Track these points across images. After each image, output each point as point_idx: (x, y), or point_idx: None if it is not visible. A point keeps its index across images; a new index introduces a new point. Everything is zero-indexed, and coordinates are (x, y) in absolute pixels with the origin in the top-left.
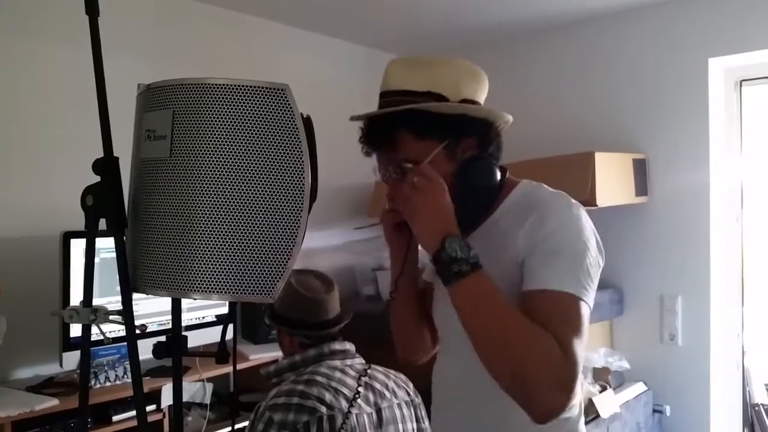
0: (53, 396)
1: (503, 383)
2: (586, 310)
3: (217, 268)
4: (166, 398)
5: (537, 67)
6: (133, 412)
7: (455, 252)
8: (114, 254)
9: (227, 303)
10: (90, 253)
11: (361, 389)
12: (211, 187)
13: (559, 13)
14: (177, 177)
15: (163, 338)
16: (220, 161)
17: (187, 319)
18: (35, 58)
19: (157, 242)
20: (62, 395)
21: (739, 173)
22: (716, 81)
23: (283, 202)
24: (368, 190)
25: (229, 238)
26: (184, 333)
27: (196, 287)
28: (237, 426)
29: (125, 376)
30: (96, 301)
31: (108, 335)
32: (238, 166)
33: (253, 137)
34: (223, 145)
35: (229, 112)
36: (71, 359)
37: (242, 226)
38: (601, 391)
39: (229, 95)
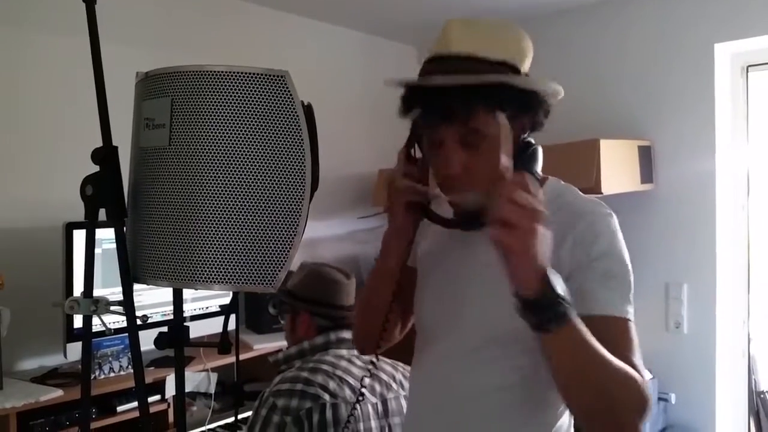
0: (58, 387)
1: (589, 414)
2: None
3: (218, 258)
4: (170, 388)
5: (541, 54)
6: (137, 403)
7: (561, 289)
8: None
9: (230, 293)
10: (90, 243)
11: (367, 379)
12: (211, 176)
13: None
14: (176, 166)
15: (165, 329)
16: (220, 149)
17: (190, 309)
18: (33, 49)
19: (158, 232)
20: (66, 386)
21: (746, 160)
22: (722, 67)
23: (283, 191)
24: (372, 179)
25: (230, 227)
26: (187, 323)
27: (197, 277)
28: (241, 416)
29: (129, 366)
30: (99, 292)
31: (111, 326)
32: (237, 154)
33: (253, 125)
34: (223, 132)
35: (229, 99)
36: (75, 350)
37: (243, 214)
38: None
39: (228, 83)
